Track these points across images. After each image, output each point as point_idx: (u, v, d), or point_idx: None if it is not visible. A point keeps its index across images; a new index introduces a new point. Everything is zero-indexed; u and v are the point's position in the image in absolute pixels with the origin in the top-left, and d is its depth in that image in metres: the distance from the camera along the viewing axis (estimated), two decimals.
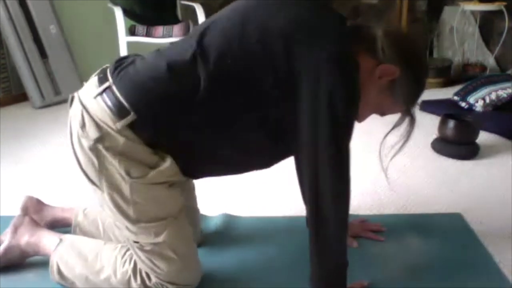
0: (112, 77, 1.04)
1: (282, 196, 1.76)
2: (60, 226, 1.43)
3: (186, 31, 3.05)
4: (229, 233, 1.51)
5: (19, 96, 3.10)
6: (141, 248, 1.10)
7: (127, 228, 1.09)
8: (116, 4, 3.04)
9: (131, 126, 1.01)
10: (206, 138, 1.06)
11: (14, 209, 1.45)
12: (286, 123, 1.02)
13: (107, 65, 1.11)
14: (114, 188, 1.04)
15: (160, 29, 3.04)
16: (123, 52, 2.95)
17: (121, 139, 1.01)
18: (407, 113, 1.13)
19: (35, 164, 2.14)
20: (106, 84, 1.03)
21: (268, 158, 1.17)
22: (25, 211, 1.42)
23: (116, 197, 1.05)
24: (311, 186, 1.01)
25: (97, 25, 3.33)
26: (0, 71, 3.03)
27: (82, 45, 3.33)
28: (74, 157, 1.08)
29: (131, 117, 1.00)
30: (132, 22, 3.10)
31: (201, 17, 3.09)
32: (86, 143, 1.02)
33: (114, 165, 1.02)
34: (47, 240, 1.27)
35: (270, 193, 1.81)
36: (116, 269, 1.15)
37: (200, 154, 1.09)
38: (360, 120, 1.15)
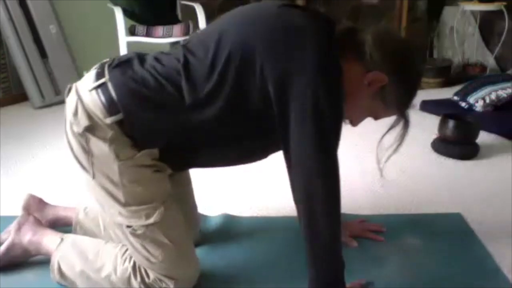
0: (109, 74, 1.08)
1: (282, 196, 1.76)
2: (61, 224, 1.44)
3: (186, 31, 3.05)
4: (228, 233, 1.51)
5: (19, 96, 3.10)
6: (134, 233, 1.11)
7: (119, 213, 1.11)
8: (116, 4, 3.04)
9: (119, 124, 1.06)
10: (190, 146, 1.11)
11: (14, 209, 1.45)
12: (274, 131, 1.02)
13: (107, 59, 1.14)
14: (103, 172, 1.08)
15: (160, 29, 3.04)
16: (123, 52, 2.95)
17: (109, 132, 1.06)
18: (402, 116, 1.13)
19: (35, 164, 2.14)
20: (102, 80, 1.08)
21: (255, 157, 1.20)
22: (27, 209, 1.42)
23: (106, 182, 1.09)
24: (302, 188, 1.02)
25: (97, 25, 3.33)
26: (0, 71, 3.03)
27: (82, 45, 3.33)
28: (67, 144, 1.13)
29: (120, 115, 1.05)
30: (132, 22, 3.10)
31: (201, 17, 3.09)
32: (76, 129, 1.07)
33: (104, 150, 1.06)
34: (49, 240, 1.28)
35: (270, 193, 1.81)
36: (116, 266, 1.16)
37: (183, 155, 1.14)
38: (354, 124, 1.16)
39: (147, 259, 1.12)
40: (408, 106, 1.13)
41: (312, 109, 0.96)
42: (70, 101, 1.11)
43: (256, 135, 1.11)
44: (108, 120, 1.05)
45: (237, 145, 1.13)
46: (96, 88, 1.07)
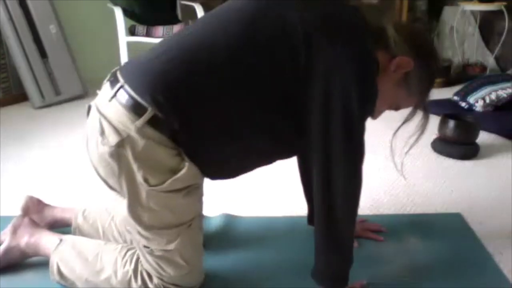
0: (122, 77, 1.03)
1: (282, 196, 1.76)
2: (60, 226, 1.43)
3: None
4: (229, 233, 1.51)
5: (19, 96, 3.10)
6: (151, 253, 1.10)
7: (138, 233, 1.08)
8: (116, 4, 3.04)
9: (151, 123, 0.98)
10: (225, 126, 1.03)
11: (14, 209, 1.45)
12: (301, 116, 1.01)
13: (117, 67, 1.10)
14: (132, 193, 1.03)
15: (160, 29, 3.04)
16: (123, 52, 2.95)
17: (141, 141, 0.98)
18: (421, 105, 1.15)
19: (35, 164, 2.14)
20: (118, 85, 1.02)
21: (288, 151, 1.16)
22: (26, 211, 1.41)
23: (133, 201, 1.04)
24: (323, 181, 1.02)
25: (97, 25, 3.33)
26: (0, 71, 3.03)
27: (82, 45, 3.33)
28: (92, 165, 1.08)
29: (149, 113, 0.97)
30: (132, 22, 3.10)
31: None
32: (106, 150, 1.00)
33: (133, 171, 1.01)
34: (47, 241, 1.27)
35: (270, 193, 1.81)
36: (116, 269, 1.15)
37: (221, 144, 1.05)
38: (375, 117, 1.14)
39: (157, 272, 1.12)
40: (429, 92, 1.15)
41: (342, 92, 0.95)
42: (92, 120, 1.04)
43: (285, 120, 1.05)
44: (138, 123, 0.97)
45: (268, 129, 1.06)
46: (115, 95, 1.01)
